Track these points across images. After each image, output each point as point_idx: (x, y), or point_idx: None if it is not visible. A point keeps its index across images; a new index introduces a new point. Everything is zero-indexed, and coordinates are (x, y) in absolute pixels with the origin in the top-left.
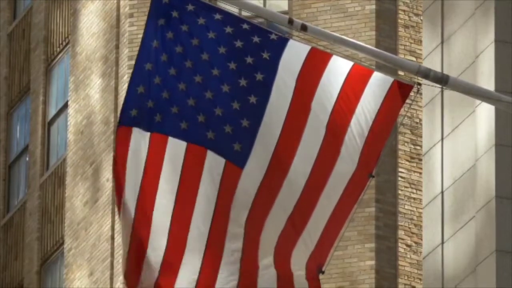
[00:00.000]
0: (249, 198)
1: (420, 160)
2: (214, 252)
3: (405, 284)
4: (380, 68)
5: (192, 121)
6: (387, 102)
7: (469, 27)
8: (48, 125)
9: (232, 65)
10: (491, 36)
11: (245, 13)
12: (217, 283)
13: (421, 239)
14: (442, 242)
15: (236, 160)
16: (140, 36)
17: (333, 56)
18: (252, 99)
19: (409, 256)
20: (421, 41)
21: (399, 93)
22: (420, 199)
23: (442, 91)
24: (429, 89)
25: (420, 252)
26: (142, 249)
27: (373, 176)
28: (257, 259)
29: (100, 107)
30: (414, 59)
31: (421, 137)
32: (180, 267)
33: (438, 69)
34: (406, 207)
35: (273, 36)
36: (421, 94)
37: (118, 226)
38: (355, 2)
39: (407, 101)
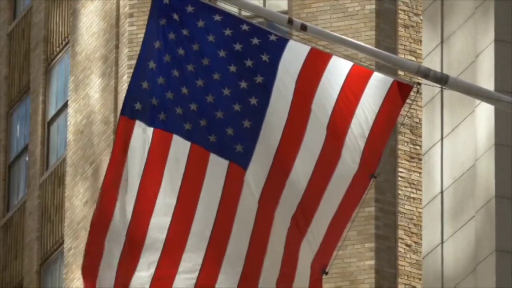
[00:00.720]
0: (254, 199)
1: (420, 160)
2: (216, 253)
3: (405, 284)
4: (380, 68)
5: (195, 124)
6: (387, 102)
7: (469, 27)
8: (48, 125)
9: (232, 68)
10: (491, 36)
11: (245, 13)
12: (218, 284)
13: (421, 239)
14: (442, 242)
15: (240, 161)
16: (140, 36)
17: (333, 57)
18: (253, 101)
19: (409, 256)
20: (421, 41)
21: (399, 93)
22: (420, 199)
23: (442, 91)
24: (429, 89)
25: (420, 252)
26: (142, 239)
27: (375, 177)
28: (263, 260)
29: (100, 107)
30: (414, 59)
31: (420, 137)
32: (178, 268)
33: (438, 69)
34: (406, 207)
35: (272, 37)
36: (421, 94)
37: None
38: (355, 2)
39: (407, 101)
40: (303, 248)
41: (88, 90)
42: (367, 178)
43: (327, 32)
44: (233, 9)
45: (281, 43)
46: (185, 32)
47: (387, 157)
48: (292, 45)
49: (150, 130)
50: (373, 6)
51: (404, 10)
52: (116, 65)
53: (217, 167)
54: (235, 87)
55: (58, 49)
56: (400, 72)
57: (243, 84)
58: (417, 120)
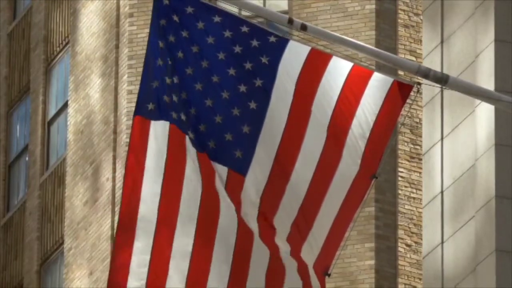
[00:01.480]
0: (254, 205)
1: (420, 159)
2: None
3: (405, 284)
4: (380, 68)
5: (195, 130)
6: (387, 103)
7: (469, 27)
8: (48, 124)
9: (232, 71)
10: (491, 36)
11: (245, 13)
12: (209, 285)
13: (421, 239)
14: (442, 242)
15: (238, 168)
16: (140, 36)
17: (333, 57)
18: (252, 105)
19: (409, 256)
20: (421, 41)
21: (399, 93)
22: (420, 199)
23: (442, 91)
24: (429, 89)
25: (420, 252)
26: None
27: (376, 177)
28: (267, 264)
29: (100, 107)
30: (414, 58)
31: (421, 136)
32: (168, 273)
33: (438, 69)
34: (406, 206)
35: (272, 39)
36: (421, 94)
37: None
38: (355, 1)
39: (407, 101)
40: (304, 251)
41: (88, 90)
42: (368, 178)
43: (327, 32)
44: (233, 9)
45: (281, 44)
46: (184, 34)
47: (387, 157)
48: (292, 46)
49: (167, 125)
50: (373, 6)
51: (404, 10)
52: (116, 65)
53: (219, 173)
54: (234, 91)
55: (58, 49)
56: (400, 72)
57: (242, 88)
58: (417, 120)
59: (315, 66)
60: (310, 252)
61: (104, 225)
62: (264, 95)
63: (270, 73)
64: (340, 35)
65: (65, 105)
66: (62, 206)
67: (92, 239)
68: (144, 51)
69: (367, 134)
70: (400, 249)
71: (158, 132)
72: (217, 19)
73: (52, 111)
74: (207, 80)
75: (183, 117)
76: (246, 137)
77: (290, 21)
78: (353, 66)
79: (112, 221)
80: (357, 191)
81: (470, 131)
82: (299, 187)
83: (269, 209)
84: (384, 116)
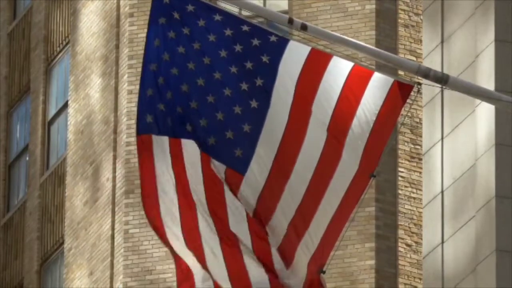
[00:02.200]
0: (251, 205)
1: (420, 159)
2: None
3: (405, 284)
4: (380, 67)
5: (196, 124)
6: (387, 102)
7: (469, 27)
8: (48, 124)
9: (233, 69)
10: (491, 35)
11: (245, 13)
12: (197, 284)
13: (421, 239)
14: (442, 242)
15: (237, 166)
16: (140, 35)
17: (333, 57)
18: (254, 104)
19: (409, 256)
20: (421, 41)
21: (400, 93)
22: (420, 199)
23: (442, 91)
24: (429, 89)
25: (420, 252)
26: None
27: (375, 176)
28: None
29: (100, 107)
30: (414, 58)
31: (421, 136)
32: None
33: (438, 69)
34: (406, 206)
35: (273, 38)
36: (421, 93)
37: (118, 226)
38: (355, 1)
39: (408, 100)
40: (299, 250)
41: (88, 90)
42: (366, 177)
43: (327, 32)
44: (233, 9)
45: (282, 44)
46: (185, 31)
47: (387, 157)
48: (293, 46)
49: (166, 139)
50: (373, 6)
51: (404, 10)
52: (117, 65)
53: (218, 171)
54: (236, 88)
55: (58, 49)
56: (400, 72)
57: (244, 86)
58: (417, 120)
59: (315, 66)
60: (306, 251)
61: (104, 225)
62: (265, 95)
63: (270, 73)
64: (340, 35)
65: (65, 105)
66: (62, 206)
67: (92, 239)
68: None
69: (367, 134)
70: (400, 249)
71: (159, 146)
72: (217, 17)
73: (52, 111)
74: (209, 76)
75: (179, 110)
76: (246, 136)
77: (290, 21)
78: (353, 66)
79: (112, 221)
80: (355, 190)
81: (470, 131)
82: (298, 187)
83: (266, 210)
84: (384, 115)
